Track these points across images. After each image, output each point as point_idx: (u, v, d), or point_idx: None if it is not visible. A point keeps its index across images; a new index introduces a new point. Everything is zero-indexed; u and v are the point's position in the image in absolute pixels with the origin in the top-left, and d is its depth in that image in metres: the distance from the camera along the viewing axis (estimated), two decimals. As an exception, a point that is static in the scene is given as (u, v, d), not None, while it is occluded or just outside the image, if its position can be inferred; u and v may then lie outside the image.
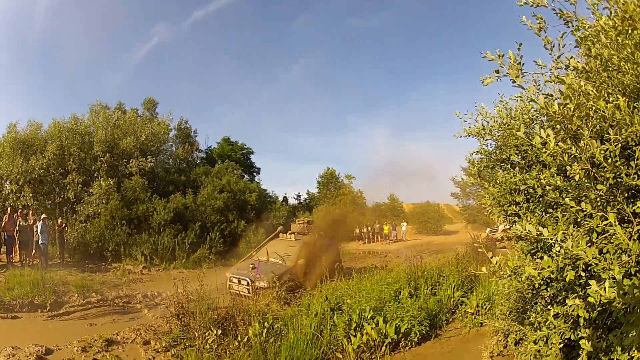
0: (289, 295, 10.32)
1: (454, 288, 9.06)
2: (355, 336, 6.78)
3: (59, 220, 17.40)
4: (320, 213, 19.75)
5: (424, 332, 7.27)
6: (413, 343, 7.07)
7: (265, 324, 7.00)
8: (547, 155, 3.22)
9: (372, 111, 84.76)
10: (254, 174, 32.66)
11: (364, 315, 7.21)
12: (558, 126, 3.42)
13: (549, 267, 3.04)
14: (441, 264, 11.21)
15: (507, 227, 19.79)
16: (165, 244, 19.26)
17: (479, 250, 10.02)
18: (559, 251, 2.98)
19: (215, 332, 7.16)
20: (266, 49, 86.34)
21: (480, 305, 8.08)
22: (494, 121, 5.65)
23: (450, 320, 8.26)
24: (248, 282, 12.78)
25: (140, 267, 17.95)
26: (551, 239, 2.96)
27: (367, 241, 33.28)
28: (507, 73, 3.39)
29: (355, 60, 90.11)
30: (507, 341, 5.59)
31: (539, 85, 4.61)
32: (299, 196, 37.94)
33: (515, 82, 3.35)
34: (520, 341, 5.18)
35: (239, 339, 6.88)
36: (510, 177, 4.91)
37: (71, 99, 59.68)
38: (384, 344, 6.74)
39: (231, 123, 75.72)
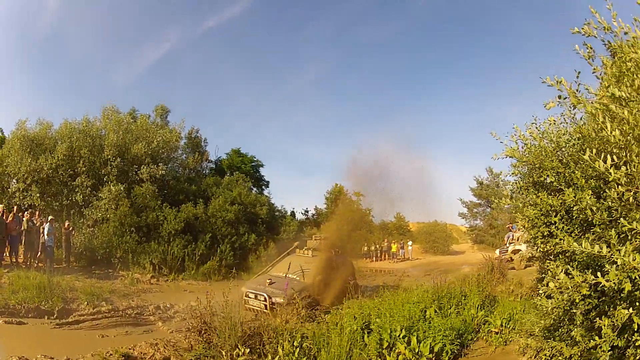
0: (309, 312, 9.57)
1: (477, 307, 8.95)
2: (390, 355, 6.60)
3: (66, 223, 16.81)
4: (332, 229, 18.82)
5: (455, 351, 7.10)
6: None
7: (295, 342, 6.71)
8: (612, 181, 3.56)
9: (379, 121, 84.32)
10: (263, 187, 31.84)
11: (395, 334, 6.91)
12: (615, 150, 3.70)
13: (608, 280, 3.38)
14: (462, 283, 10.98)
15: (518, 248, 18.85)
16: (174, 254, 18.59)
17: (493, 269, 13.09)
18: (618, 265, 3.32)
19: (243, 350, 6.61)
20: (275, 57, 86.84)
21: (503, 324, 7.98)
22: (530, 144, 5.81)
23: (475, 339, 8.09)
24: (265, 298, 12.38)
25: (148, 276, 17.37)
26: (611, 255, 3.33)
27: (375, 259, 32.24)
28: (568, 99, 3.95)
29: (363, 70, 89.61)
30: (540, 358, 5.53)
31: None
32: (307, 211, 37.12)
33: (576, 107, 3.95)
34: (553, 357, 5.23)
35: (269, 358, 6.47)
36: (548, 199, 5.18)
37: (80, 99, 59.68)
38: None
39: (237, 131, 75.52)
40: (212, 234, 20.32)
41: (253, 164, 32.46)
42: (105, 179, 19.34)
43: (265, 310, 11.85)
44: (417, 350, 6.55)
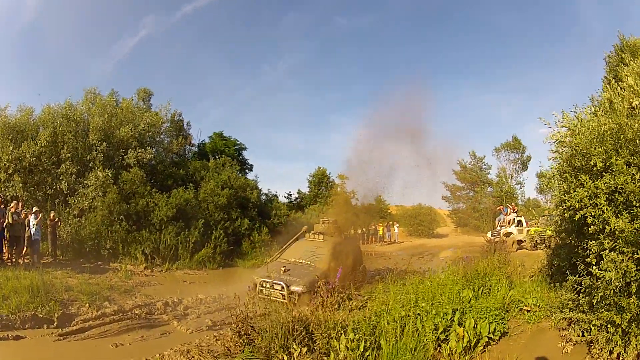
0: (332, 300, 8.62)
1: (506, 288, 8.86)
2: (447, 338, 6.57)
3: (52, 214, 15.91)
4: (340, 212, 18.20)
5: (502, 330, 7.18)
6: (495, 341, 6.91)
7: (351, 335, 6.10)
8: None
9: (356, 110, 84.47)
10: (247, 170, 30.92)
11: (447, 317, 6.89)
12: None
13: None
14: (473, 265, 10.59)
15: (510, 231, 18.26)
16: (167, 242, 17.99)
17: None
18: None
19: (299, 350, 6.00)
20: (252, 45, 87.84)
21: (534, 303, 8.00)
22: (577, 130, 6.58)
23: (509, 318, 8.03)
24: (283, 287, 11.77)
25: (141, 267, 16.85)
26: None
27: (362, 242, 31.42)
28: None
29: (340, 59, 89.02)
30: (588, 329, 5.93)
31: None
32: (290, 195, 36.96)
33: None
34: (601, 328, 5.67)
35: (332, 357, 5.94)
36: (594, 183, 5.82)
37: (56, 87, 57.35)
38: (479, 343, 6.62)
39: (214, 118, 75.19)
40: (205, 219, 19.70)
41: (236, 147, 31.93)
42: (90, 165, 18.53)
43: (283, 300, 11.12)
44: (477, 331, 6.63)
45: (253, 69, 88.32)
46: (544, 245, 21.03)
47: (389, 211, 44.78)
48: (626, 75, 7.35)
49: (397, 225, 38.05)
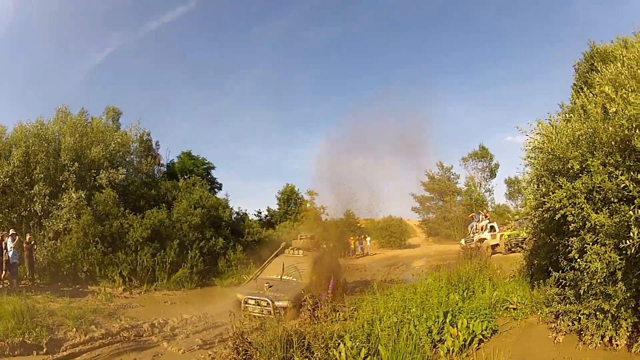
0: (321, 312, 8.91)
1: (490, 289, 9.36)
2: (441, 339, 6.88)
3: (27, 237, 15.48)
4: (318, 228, 18.54)
5: (493, 328, 7.51)
6: (487, 339, 7.25)
7: (349, 343, 6.22)
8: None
9: (322, 126, 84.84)
10: (215, 190, 30.65)
11: (439, 320, 7.20)
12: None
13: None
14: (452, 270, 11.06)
15: (483, 237, 18.82)
16: (144, 263, 17.75)
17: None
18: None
19: None
20: (217, 61, 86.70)
21: (519, 301, 8.46)
22: (554, 137, 7.24)
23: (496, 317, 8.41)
24: (268, 303, 11.95)
25: (120, 289, 16.61)
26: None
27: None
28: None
29: (306, 74, 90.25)
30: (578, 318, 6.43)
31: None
32: (260, 213, 37.30)
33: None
34: (590, 316, 6.17)
35: None
36: (571, 184, 6.42)
37: (22, 104, 55.61)
38: (473, 342, 6.94)
39: (179, 135, 74.33)
40: (180, 240, 19.56)
41: (205, 166, 31.99)
42: (63, 186, 18.16)
43: (269, 316, 11.24)
44: (470, 330, 6.94)
45: (218, 85, 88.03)
46: (519, 248, 21.62)
47: (359, 225, 45.12)
48: (598, 82, 7.98)
49: (369, 238, 38.26)
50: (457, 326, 6.94)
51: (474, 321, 7.17)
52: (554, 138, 7.20)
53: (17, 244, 14.24)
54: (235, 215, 27.80)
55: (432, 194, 48.24)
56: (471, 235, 27.15)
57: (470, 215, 31.17)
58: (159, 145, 27.29)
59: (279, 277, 13.57)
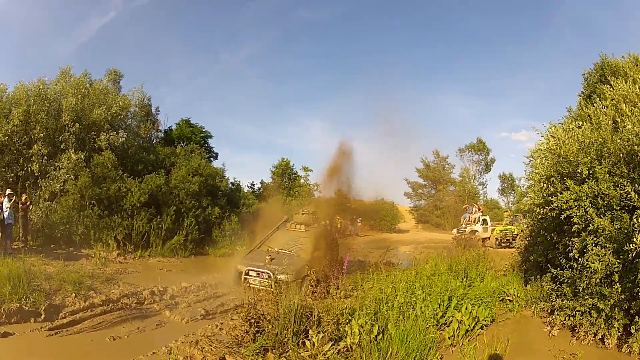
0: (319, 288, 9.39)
1: (489, 279, 9.63)
2: (445, 323, 7.21)
3: (23, 197, 15.41)
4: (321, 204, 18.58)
5: (494, 315, 7.86)
6: (486, 326, 7.48)
7: (362, 320, 6.43)
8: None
9: (312, 103, 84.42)
10: (212, 159, 30.39)
11: (444, 303, 7.52)
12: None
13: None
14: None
15: (475, 229, 18.96)
16: (139, 228, 17.84)
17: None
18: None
19: (315, 335, 5.94)
20: (213, 33, 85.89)
21: (515, 293, 8.72)
22: (566, 141, 7.65)
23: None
24: (270, 275, 11.72)
25: (114, 254, 16.52)
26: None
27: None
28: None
29: (300, 51, 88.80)
30: (572, 314, 6.80)
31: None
32: (253, 185, 37.14)
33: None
34: (584, 314, 6.57)
35: (349, 339, 6.12)
36: (578, 187, 6.79)
37: (22, 65, 54.62)
38: (476, 327, 7.21)
39: (172, 104, 73.60)
40: (176, 207, 19.66)
41: (202, 134, 31.80)
42: (62, 147, 18.07)
43: (269, 289, 10.89)
44: (474, 315, 7.22)
45: (213, 55, 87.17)
46: (510, 243, 21.87)
47: (349, 205, 45.08)
48: (610, 95, 8.62)
49: (360, 219, 38.28)
50: (461, 311, 7.23)
51: (478, 307, 7.47)
52: (566, 142, 7.62)
53: (13, 204, 14.01)
54: (230, 185, 27.68)
55: (425, 181, 48.46)
56: (463, 226, 27.44)
57: (465, 207, 31.58)
58: (158, 111, 27.19)
59: (281, 250, 13.53)
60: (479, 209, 28.08)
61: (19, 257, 11.71)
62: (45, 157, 17.42)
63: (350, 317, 6.62)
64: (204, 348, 6.96)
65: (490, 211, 33.77)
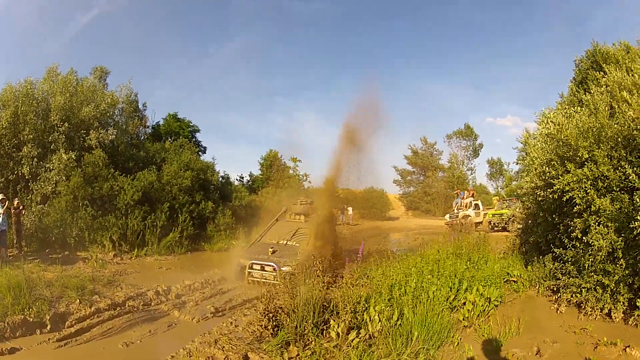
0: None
1: (492, 262, 9.93)
2: (463, 303, 7.53)
3: (15, 201, 15.18)
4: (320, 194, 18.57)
5: (502, 296, 8.17)
6: (496, 307, 7.80)
7: (379, 307, 6.60)
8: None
9: (300, 94, 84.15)
10: (200, 153, 29.84)
11: (454, 287, 7.79)
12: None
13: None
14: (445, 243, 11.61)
15: (467, 213, 19.04)
16: (134, 227, 17.69)
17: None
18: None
19: (339, 325, 6.11)
20: (203, 25, 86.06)
21: (518, 274, 9.06)
22: (565, 126, 8.09)
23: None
24: (275, 268, 12.06)
25: (110, 254, 16.33)
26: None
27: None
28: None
29: (291, 43, 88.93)
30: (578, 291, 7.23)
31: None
32: (242, 177, 37.08)
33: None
34: (589, 291, 6.97)
35: (370, 327, 6.24)
36: (579, 170, 7.15)
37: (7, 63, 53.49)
38: (489, 307, 7.59)
39: (160, 98, 72.96)
40: (170, 203, 19.44)
41: (190, 129, 31.61)
42: (52, 148, 17.73)
43: (274, 282, 11.19)
44: (486, 296, 7.61)
45: (201, 48, 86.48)
46: (503, 227, 22.01)
47: (338, 194, 45.03)
48: (605, 83, 9.12)
49: (351, 208, 38.23)
50: (473, 293, 7.60)
51: (489, 288, 7.85)
52: (566, 127, 8.01)
53: (5, 209, 13.65)
54: (220, 179, 27.40)
55: (414, 168, 48.67)
56: (455, 211, 27.63)
57: (456, 192, 31.89)
58: (146, 106, 26.90)
59: (282, 242, 13.71)
60: (471, 194, 28.21)
61: (16, 265, 11.37)
62: (36, 159, 17.07)
63: (366, 305, 6.77)
64: (224, 347, 7.00)
65: (479, 196, 33.94)
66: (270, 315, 6.85)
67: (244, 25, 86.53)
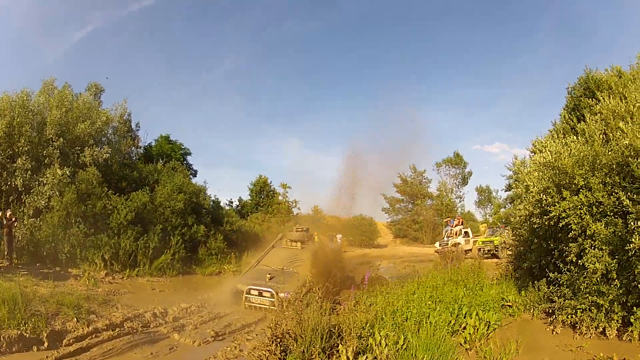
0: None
1: (488, 288, 10.12)
2: (463, 327, 7.73)
3: (8, 213, 14.96)
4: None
5: (500, 320, 8.36)
6: (494, 330, 7.91)
7: (384, 332, 6.65)
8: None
9: (286, 120, 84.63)
10: (191, 176, 29.54)
11: (455, 312, 8.01)
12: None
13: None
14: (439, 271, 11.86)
15: (458, 241, 18.95)
16: (126, 247, 17.37)
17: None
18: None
19: (345, 351, 6.06)
20: (193, 47, 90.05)
21: (513, 299, 9.24)
22: (563, 156, 8.37)
23: (493, 312, 10.06)
24: (272, 294, 12.10)
25: (102, 273, 16.02)
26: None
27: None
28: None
29: (277, 68, 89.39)
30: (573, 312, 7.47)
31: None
32: (231, 202, 37.08)
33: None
34: (584, 311, 7.23)
35: (377, 350, 6.28)
36: (575, 197, 7.43)
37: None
38: (489, 330, 7.74)
39: (149, 119, 72.94)
40: (162, 225, 19.24)
41: (182, 151, 31.77)
42: (46, 161, 17.65)
43: (272, 307, 11.74)
44: (485, 321, 7.80)
45: (190, 72, 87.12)
46: (493, 253, 22.07)
47: (325, 222, 44.90)
48: (599, 109, 9.51)
49: (340, 235, 37.95)
50: (472, 317, 7.82)
51: (488, 312, 8.09)
52: (562, 156, 8.38)
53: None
54: (211, 203, 27.13)
55: (403, 195, 48.76)
56: (445, 239, 27.67)
57: (446, 220, 32.05)
58: (139, 126, 27.08)
59: (279, 267, 13.62)
60: (460, 222, 28.31)
61: (7, 277, 10.99)
62: (29, 172, 16.93)
63: (371, 330, 6.89)
64: None
65: (466, 223, 34.04)
66: (278, 340, 6.77)
67: (233, 48, 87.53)
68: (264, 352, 6.83)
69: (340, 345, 6.28)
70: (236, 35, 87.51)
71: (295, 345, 6.49)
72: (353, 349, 6.15)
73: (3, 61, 55.67)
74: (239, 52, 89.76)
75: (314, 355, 6.29)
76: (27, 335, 7.96)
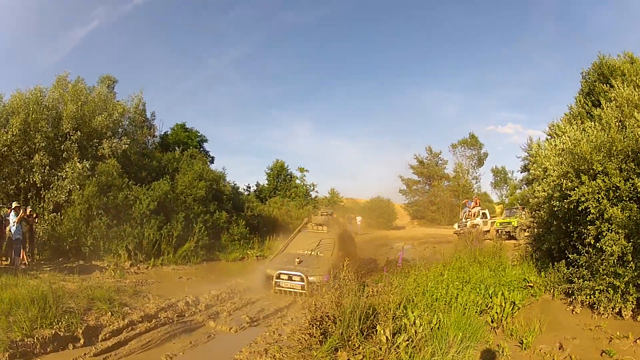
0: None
1: (510, 269, 10.27)
2: (489, 307, 8.01)
3: (28, 210, 14.91)
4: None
5: (524, 299, 8.73)
6: (518, 309, 8.23)
7: (417, 312, 6.74)
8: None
9: (296, 106, 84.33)
10: (208, 163, 29.46)
11: (482, 292, 8.25)
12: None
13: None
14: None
15: (476, 222, 18.39)
16: (150, 237, 17.47)
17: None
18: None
19: (384, 331, 6.12)
20: (198, 38, 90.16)
21: (534, 280, 9.49)
22: (581, 141, 8.89)
23: (516, 292, 10.45)
24: (302, 278, 12.15)
25: (127, 264, 16.08)
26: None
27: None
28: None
29: (285, 54, 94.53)
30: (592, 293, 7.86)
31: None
32: (249, 187, 37.33)
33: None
34: (602, 292, 7.59)
35: (412, 330, 6.30)
36: (593, 182, 7.72)
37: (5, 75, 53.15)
38: (514, 309, 8.06)
39: (156, 109, 72.66)
40: (185, 213, 19.28)
41: (198, 138, 31.92)
42: (64, 156, 17.82)
43: (301, 291, 12.05)
44: (510, 300, 8.09)
45: (197, 60, 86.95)
46: (510, 235, 21.77)
47: (342, 203, 44.72)
48: (614, 97, 9.91)
49: (359, 217, 37.66)
50: (497, 297, 8.15)
51: (513, 292, 8.43)
52: (581, 142, 8.81)
53: (20, 218, 13.13)
54: (231, 189, 26.92)
55: (419, 177, 48.56)
56: (464, 220, 27.48)
57: (464, 202, 31.75)
58: (154, 116, 27.26)
59: (307, 252, 13.60)
60: (477, 203, 27.97)
61: (31, 274, 10.87)
62: (47, 167, 17.05)
63: (404, 311, 7.03)
64: (275, 356, 6.92)
65: (483, 204, 33.65)
66: (317, 323, 6.88)
67: (238, 37, 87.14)
68: (304, 335, 7.01)
69: (378, 326, 6.36)
70: (237, 26, 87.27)
71: (334, 328, 6.64)
72: (390, 330, 6.24)
73: (11, 59, 55.70)
74: (241, 43, 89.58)
75: (352, 337, 6.43)
76: (62, 334, 7.59)
